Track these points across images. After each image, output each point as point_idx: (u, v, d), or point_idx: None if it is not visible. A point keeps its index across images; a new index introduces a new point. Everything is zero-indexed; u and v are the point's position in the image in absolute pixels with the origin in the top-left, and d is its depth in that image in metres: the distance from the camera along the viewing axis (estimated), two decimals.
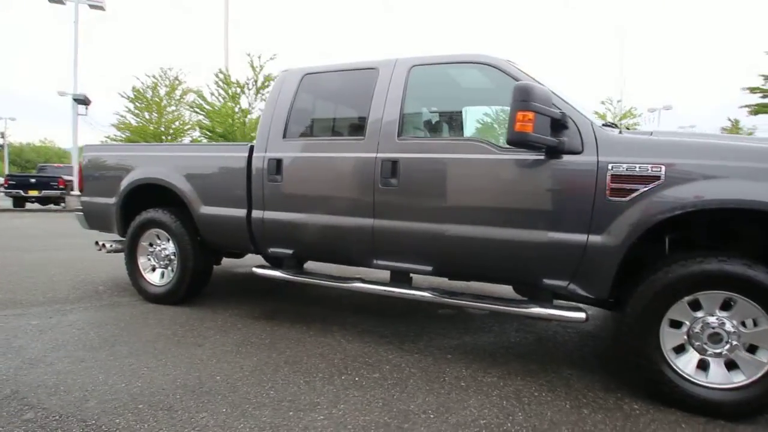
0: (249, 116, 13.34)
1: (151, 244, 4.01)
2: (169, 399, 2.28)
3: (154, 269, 4.02)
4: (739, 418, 2.19)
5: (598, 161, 2.38)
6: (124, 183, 3.99)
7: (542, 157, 2.50)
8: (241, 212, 3.45)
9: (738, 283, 2.14)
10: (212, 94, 13.45)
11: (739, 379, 2.21)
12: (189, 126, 15.91)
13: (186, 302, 3.90)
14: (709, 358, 2.27)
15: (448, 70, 3.00)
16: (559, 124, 2.40)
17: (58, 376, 2.49)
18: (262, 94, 13.02)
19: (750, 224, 2.41)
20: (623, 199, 2.33)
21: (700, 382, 2.26)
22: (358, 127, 3.11)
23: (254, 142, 3.46)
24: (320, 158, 3.14)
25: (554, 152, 2.46)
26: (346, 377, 2.59)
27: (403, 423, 2.12)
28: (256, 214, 3.38)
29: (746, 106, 16.36)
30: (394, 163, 2.84)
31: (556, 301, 2.72)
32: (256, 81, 12.97)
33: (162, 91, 16.54)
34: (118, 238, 4.44)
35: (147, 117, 16.65)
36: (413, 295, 2.90)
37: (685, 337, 2.31)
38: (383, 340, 3.16)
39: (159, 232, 3.92)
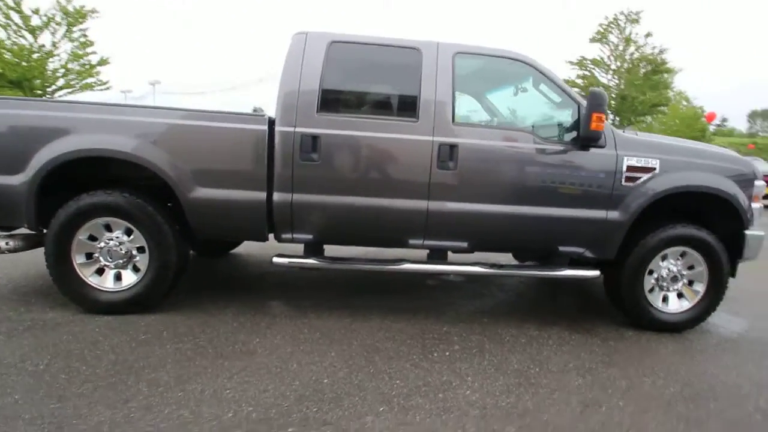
0: (52, 59, 9.86)
1: (92, 238, 3.00)
2: (304, 412, 2.01)
3: (101, 271, 3.03)
4: (686, 329, 3.31)
5: (617, 154, 3.08)
6: (46, 155, 2.83)
7: (575, 149, 3.06)
8: (259, 195, 2.96)
9: (691, 240, 3.19)
10: None
11: (685, 305, 3.31)
12: None
13: (153, 308, 3.12)
14: (669, 293, 3.31)
15: (487, 61, 3.23)
16: None
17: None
18: (71, 31, 9.81)
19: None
20: (632, 184, 3.10)
21: (664, 311, 3.29)
22: (407, 108, 3.05)
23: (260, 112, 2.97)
24: (369, 138, 2.96)
25: (586, 145, 3.04)
26: (437, 354, 2.70)
27: (528, 379, 2.45)
28: (280, 196, 2.96)
29: None
30: (452, 147, 2.97)
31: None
32: (65, 13, 9.60)
33: None
34: (16, 231, 3.16)
35: None
36: (467, 271, 3.16)
37: (654, 280, 3.29)
38: (419, 316, 3.30)
39: (112, 221, 2.97)
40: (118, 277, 3.05)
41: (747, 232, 3.26)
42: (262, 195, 2.97)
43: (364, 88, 3.25)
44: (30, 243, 3.18)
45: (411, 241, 3.15)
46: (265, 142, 2.93)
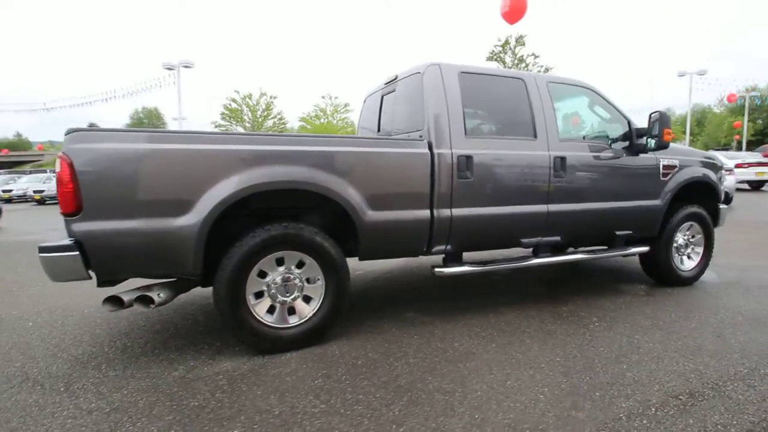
0: None
1: (262, 274, 2.83)
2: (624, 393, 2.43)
3: (272, 309, 2.87)
4: (695, 281, 4.54)
5: (656, 157, 4.13)
6: (221, 191, 2.60)
7: (632, 155, 4.01)
8: (424, 213, 3.18)
9: (696, 216, 4.43)
10: None
11: (692, 264, 4.54)
12: None
13: (326, 338, 3.06)
14: (683, 257, 4.50)
15: (565, 89, 3.95)
16: None
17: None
18: None
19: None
20: (666, 178, 4.19)
21: (684, 269, 4.47)
22: (526, 129, 3.58)
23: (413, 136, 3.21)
24: (505, 155, 3.43)
25: (638, 151, 4.01)
26: (598, 327, 3.32)
27: (678, 329, 3.23)
28: (441, 213, 3.22)
29: None
30: (563, 159, 3.63)
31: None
32: None
33: None
34: (149, 282, 2.78)
35: None
36: (574, 259, 3.88)
37: (674, 248, 4.45)
38: (534, 304, 3.84)
39: (287, 254, 2.85)
40: (293, 311, 2.93)
41: (720, 206, 4.66)
42: (427, 212, 3.20)
43: (491, 112, 3.69)
44: (175, 292, 2.83)
45: (525, 240, 3.70)
46: (428, 163, 3.17)
